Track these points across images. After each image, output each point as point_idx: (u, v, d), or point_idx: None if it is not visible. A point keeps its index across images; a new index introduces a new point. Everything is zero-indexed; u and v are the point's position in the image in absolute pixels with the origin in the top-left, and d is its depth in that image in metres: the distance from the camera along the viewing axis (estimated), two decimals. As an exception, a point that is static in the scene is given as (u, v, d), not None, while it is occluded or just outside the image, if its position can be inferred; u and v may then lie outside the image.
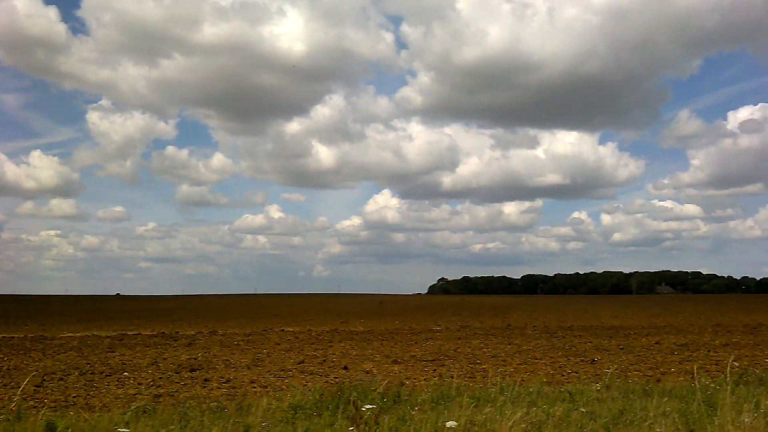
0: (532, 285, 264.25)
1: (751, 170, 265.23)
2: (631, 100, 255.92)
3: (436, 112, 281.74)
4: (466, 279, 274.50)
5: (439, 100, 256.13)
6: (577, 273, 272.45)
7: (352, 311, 69.32)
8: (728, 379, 12.11)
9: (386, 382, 15.65)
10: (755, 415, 9.30)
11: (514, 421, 8.98)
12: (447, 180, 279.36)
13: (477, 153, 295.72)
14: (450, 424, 6.52)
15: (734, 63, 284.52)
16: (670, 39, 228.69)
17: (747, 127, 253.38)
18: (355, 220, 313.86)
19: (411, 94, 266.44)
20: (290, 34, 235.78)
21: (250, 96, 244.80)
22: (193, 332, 37.41)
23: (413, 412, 9.87)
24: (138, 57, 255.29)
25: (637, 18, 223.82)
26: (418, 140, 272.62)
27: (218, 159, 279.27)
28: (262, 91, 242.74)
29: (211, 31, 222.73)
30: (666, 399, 12.47)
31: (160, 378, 19.06)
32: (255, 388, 16.80)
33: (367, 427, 9.12)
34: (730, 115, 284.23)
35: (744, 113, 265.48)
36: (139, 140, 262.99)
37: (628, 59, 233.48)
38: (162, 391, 16.51)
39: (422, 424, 8.80)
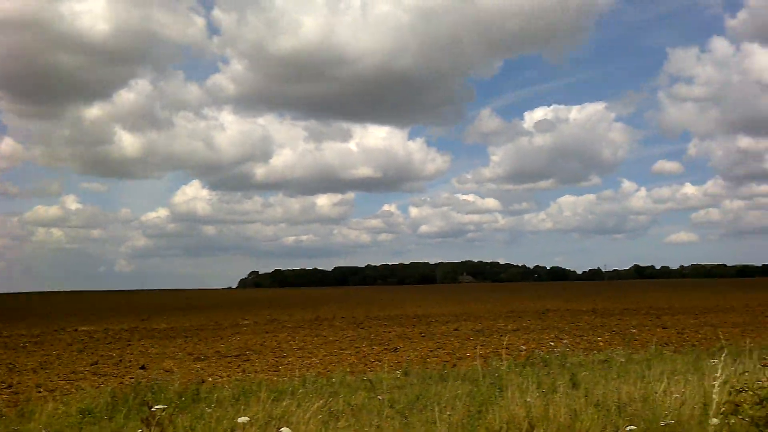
0: (344, 277, 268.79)
1: (544, 167, 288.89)
2: (438, 97, 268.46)
3: (250, 102, 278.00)
4: (278, 272, 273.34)
5: (252, 90, 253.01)
6: (386, 264, 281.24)
7: (156, 308, 66.45)
8: (504, 361, 12.93)
9: (185, 380, 15.14)
10: (537, 394, 9.97)
11: (312, 412, 8.95)
12: (260, 171, 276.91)
13: (290, 144, 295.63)
14: (241, 419, 6.31)
15: (531, 66, 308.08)
16: (475, 40, 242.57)
17: (541, 126, 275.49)
18: (162, 212, 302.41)
19: (223, 81, 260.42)
20: (92, 12, 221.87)
21: (46, 77, 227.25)
22: (-29, 335, 33.92)
23: (209, 410, 9.53)
24: None
25: (445, 17, 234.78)
26: (230, 130, 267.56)
27: (7, 144, 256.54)
28: (60, 73, 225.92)
29: (1, 6, 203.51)
30: (459, 382, 13.10)
31: (-70, 387, 17.10)
32: (41, 392, 15.50)
33: (159, 428, 8.69)
34: (527, 114, 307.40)
35: (539, 113, 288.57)
36: None
37: (437, 58, 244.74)
38: (-70, 401, 14.81)
39: (218, 421, 8.54)
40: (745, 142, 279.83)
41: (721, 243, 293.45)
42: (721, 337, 17.15)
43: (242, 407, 10.16)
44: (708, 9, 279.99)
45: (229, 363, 20.67)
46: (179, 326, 38.22)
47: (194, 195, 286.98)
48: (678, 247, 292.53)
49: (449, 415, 8.99)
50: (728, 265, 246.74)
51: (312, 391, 12.39)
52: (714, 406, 3.16)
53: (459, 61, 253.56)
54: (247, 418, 6.46)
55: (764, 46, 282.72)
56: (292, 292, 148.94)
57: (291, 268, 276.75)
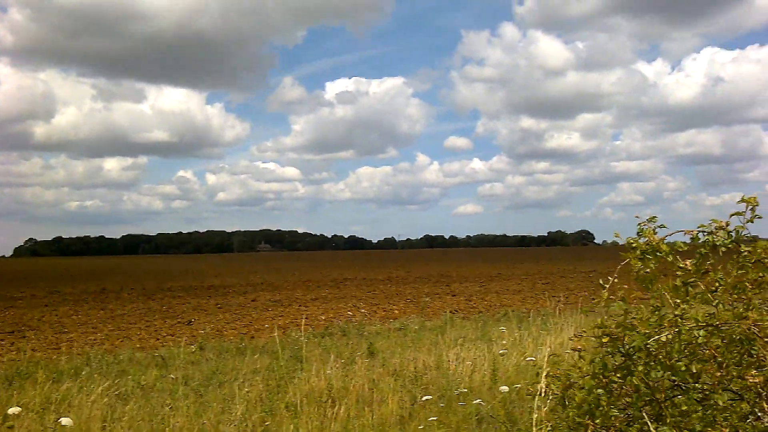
0: (133, 245, 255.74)
1: (344, 138, 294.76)
2: (239, 63, 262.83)
3: (30, 55, 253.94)
4: (59, 240, 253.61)
5: (33, 42, 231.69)
6: (181, 232, 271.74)
7: None
8: (303, 332, 12.88)
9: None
10: (336, 365, 9.97)
11: (97, 395, 8.26)
12: (40, 131, 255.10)
13: (76, 103, 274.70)
14: (12, 410, 5.57)
15: (334, 36, 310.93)
16: (279, 6, 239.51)
17: (342, 98, 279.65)
18: None
19: (0, 31, 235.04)
20: None
21: None
22: None
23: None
24: None
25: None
26: (7, 84, 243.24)
27: None
28: None
29: None
30: (257, 356, 12.83)
31: None
32: None
33: None
34: (328, 85, 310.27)
35: (340, 85, 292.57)
36: None
37: (239, 21, 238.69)
38: None
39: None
40: (527, 122, 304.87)
41: (504, 215, 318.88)
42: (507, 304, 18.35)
43: (15, 392, 9.18)
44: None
45: (0, 341, 18.73)
46: (-61, 301, 34.09)
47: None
48: (465, 218, 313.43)
49: (247, 391, 8.71)
50: (509, 235, 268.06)
51: (97, 371, 11.53)
52: (542, 382, 3.19)
53: (262, 26, 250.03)
54: (19, 408, 5.70)
55: (547, 33, 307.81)
56: (75, 261, 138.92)
57: (74, 236, 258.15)
